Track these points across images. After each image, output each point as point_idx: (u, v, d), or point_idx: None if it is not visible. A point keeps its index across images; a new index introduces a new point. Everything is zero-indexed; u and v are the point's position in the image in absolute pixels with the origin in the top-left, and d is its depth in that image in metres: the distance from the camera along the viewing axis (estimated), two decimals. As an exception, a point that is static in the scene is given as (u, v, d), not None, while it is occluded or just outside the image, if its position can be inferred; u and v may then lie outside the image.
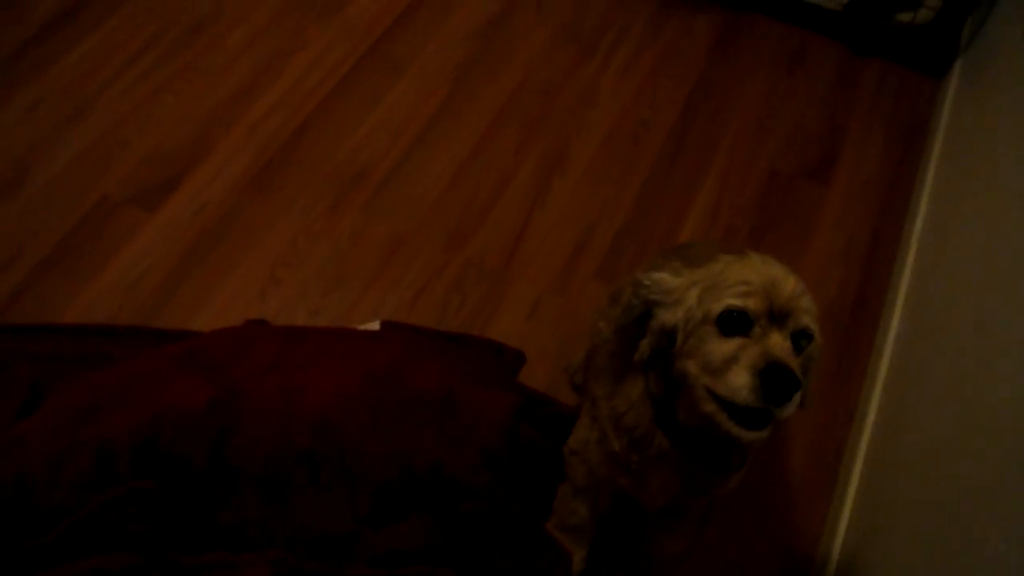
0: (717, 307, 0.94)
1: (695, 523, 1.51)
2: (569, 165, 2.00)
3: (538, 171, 1.98)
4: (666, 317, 1.01)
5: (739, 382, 0.90)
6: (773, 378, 0.88)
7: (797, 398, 0.90)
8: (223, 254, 1.80)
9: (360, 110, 2.07)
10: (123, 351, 1.63)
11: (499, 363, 1.67)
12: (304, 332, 1.61)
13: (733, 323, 0.94)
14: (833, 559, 1.49)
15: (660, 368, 1.06)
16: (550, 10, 2.32)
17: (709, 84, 2.20)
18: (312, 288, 1.77)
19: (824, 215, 1.96)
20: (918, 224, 1.88)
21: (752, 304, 0.93)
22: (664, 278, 1.03)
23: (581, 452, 1.27)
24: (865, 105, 2.18)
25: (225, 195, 1.89)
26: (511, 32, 2.26)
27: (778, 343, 0.92)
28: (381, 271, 1.80)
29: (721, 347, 0.93)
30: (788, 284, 0.95)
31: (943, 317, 1.53)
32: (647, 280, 1.04)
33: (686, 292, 1.00)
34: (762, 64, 2.25)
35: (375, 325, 1.69)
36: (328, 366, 1.49)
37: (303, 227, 1.86)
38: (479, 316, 1.75)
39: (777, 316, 0.94)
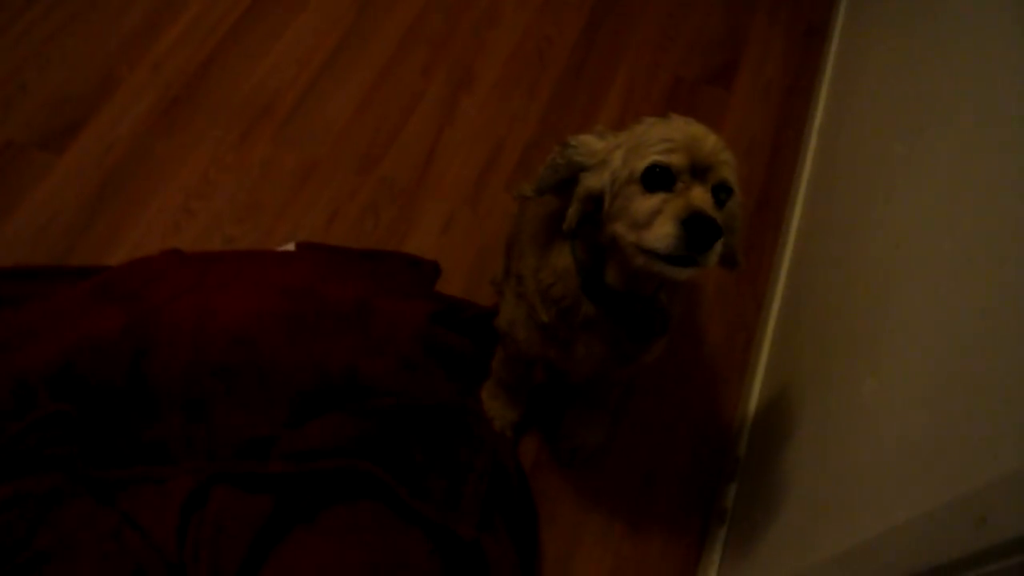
0: (641, 165, 0.98)
1: (610, 413, 1.58)
2: (476, 83, 2.02)
3: (446, 90, 2.00)
4: (591, 182, 1.04)
5: (663, 231, 0.93)
6: (695, 226, 0.92)
7: (719, 246, 0.94)
8: (134, 191, 1.80)
9: (265, 41, 2.06)
10: (39, 290, 1.64)
11: (415, 275, 1.71)
12: (220, 256, 1.63)
13: (657, 179, 0.97)
14: (746, 432, 1.57)
15: (586, 236, 1.10)
16: (452, -69, 2.31)
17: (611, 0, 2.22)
18: (226, 217, 1.79)
19: (727, 118, 2.02)
20: (817, 121, 1.94)
21: (675, 160, 0.97)
22: (589, 139, 1.06)
23: (510, 331, 1.30)
24: (766, 8, 2.23)
25: (133, 133, 1.89)
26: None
27: (700, 195, 0.96)
28: (294, 197, 1.82)
29: (646, 203, 0.97)
30: (709, 140, 0.99)
31: (838, 205, 1.60)
32: (573, 141, 1.06)
33: (611, 154, 1.03)
34: (665, -25, 2.29)
35: (291, 246, 1.71)
36: (244, 286, 1.51)
37: (214, 159, 1.86)
38: (394, 234, 1.79)
39: (699, 171, 0.98)
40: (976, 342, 0.83)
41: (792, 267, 1.73)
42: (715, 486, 1.55)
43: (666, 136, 0.98)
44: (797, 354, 1.47)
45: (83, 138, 1.87)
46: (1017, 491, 0.65)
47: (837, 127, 1.80)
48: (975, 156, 1.02)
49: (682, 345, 1.68)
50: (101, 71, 1.97)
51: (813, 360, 1.36)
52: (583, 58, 2.09)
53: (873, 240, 1.27)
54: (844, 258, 1.40)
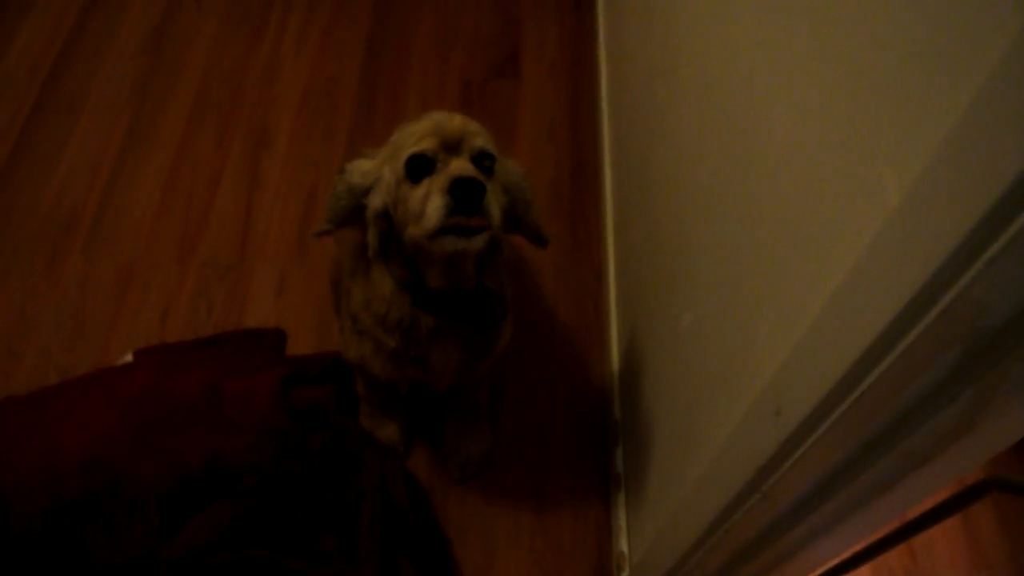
0: (401, 162, 1.03)
1: (486, 419, 1.59)
2: (273, 140, 2.01)
3: (244, 156, 1.98)
4: (375, 201, 1.09)
5: (434, 206, 0.98)
6: (459, 189, 0.97)
7: (494, 205, 1.00)
8: (-51, 348, 1.72)
9: (49, 157, 1.99)
10: None
11: (260, 348, 1.68)
12: (56, 390, 1.57)
13: (418, 169, 1.02)
14: (616, 394, 1.61)
15: (395, 253, 1.14)
16: (210, 4, 2.29)
17: (383, 21, 2.25)
18: (55, 348, 1.72)
19: (522, 106, 2.07)
20: (604, 88, 2.01)
21: (426, 144, 1.02)
22: (360, 162, 1.12)
23: (363, 365, 1.32)
24: (530, -5, 2.30)
25: (-68, 290, 1.80)
26: (179, 35, 2.22)
27: (458, 165, 1.02)
28: (120, 306, 1.77)
29: (417, 192, 1.02)
30: (454, 119, 1.05)
31: (637, 159, 1.66)
32: (347, 167, 1.12)
33: (381, 169, 1.09)
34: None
35: (128, 357, 1.66)
36: (85, 411, 1.46)
37: (26, 292, 1.79)
38: (231, 313, 1.76)
39: (452, 148, 1.04)
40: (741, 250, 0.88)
41: (616, 227, 1.78)
42: (604, 455, 1.58)
43: (415, 130, 1.05)
44: (637, 305, 1.52)
45: None
46: (795, 377, 0.69)
47: (620, 88, 1.87)
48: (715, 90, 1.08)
49: (537, 329, 1.72)
50: None
51: (647, 307, 1.41)
52: (371, 88, 2.11)
53: (665, 183, 1.32)
54: (651, 208, 1.46)
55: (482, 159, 1.05)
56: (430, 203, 0.99)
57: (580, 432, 1.61)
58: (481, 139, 1.05)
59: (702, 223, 1.09)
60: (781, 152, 0.78)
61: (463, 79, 2.11)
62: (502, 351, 1.35)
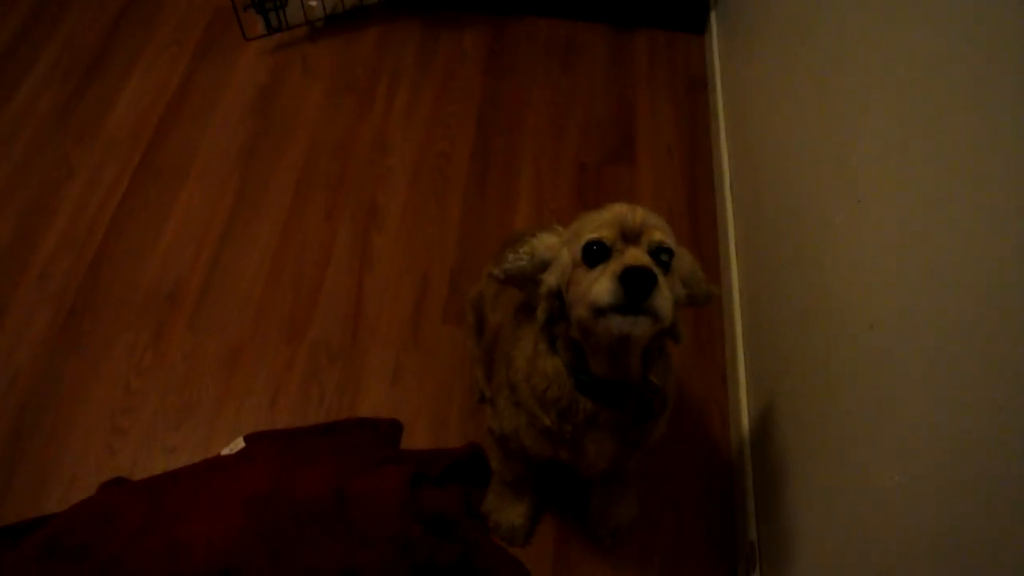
0: (579, 246, 1.04)
1: (633, 489, 1.55)
2: (384, 217, 1.96)
3: (354, 232, 1.93)
4: (550, 279, 1.11)
5: (602, 287, 0.98)
6: (630, 277, 0.96)
7: (664, 297, 0.98)
8: (52, 423, 1.65)
9: (152, 226, 1.95)
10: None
11: (377, 439, 1.62)
12: (170, 478, 1.50)
13: (595, 256, 1.03)
14: (746, 446, 1.57)
15: (562, 334, 1.14)
16: (316, 68, 2.26)
17: (495, 97, 2.21)
18: (161, 426, 1.65)
19: (640, 192, 2.01)
20: (726, 174, 1.95)
21: (606, 233, 1.03)
22: (545, 236, 1.14)
23: (512, 438, 1.31)
24: (644, 76, 2.25)
25: (34, 357, 1.74)
26: (285, 99, 2.19)
27: (634, 254, 1.01)
28: (228, 385, 1.71)
29: (589, 276, 1.02)
30: (636, 211, 1.05)
31: (769, 240, 1.61)
32: (539, 234, 1.14)
33: (560, 251, 1.10)
34: (538, 63, 2.29)
35: (240, 443, 1.59)
36: (206, 509, 1.39)
37: (131, 365, 1.73)
38: (343, 398, 1.69)
39: (631, 237, 1.03)
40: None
41: (745, 307, 1.72)
42: (735, 521, 1.53)
43: (596, 219, 1.06)
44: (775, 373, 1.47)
45: (-20, 378, 1.71)
46: None
47: (743, 172, 1.82)
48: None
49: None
50: (-18, 299, 1.82)
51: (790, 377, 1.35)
52: (483, 164, 2.06)
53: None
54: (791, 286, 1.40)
55: (659, 252, 1.04)
56: (598, 284, 0.99)
57: (711, 496, 1.55)
58: (659, 232, 1.05)
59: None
60: None
61: (578, 161, 2.06)
62: (655, 443, 1.32)
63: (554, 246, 1.11)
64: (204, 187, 2.01)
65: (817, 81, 1.44)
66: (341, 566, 1.29)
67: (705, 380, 1.74)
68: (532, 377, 1.20)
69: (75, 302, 1.82)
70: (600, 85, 2.24)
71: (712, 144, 2.09)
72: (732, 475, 1.61)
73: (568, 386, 1.16)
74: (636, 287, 0.97)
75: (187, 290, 1.84)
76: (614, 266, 1.00)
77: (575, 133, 2.13)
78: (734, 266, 1.82)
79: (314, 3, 2.27)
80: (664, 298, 0.99)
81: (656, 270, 0.99)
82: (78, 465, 1.61)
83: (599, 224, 1.04)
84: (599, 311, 0.99)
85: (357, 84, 2.22)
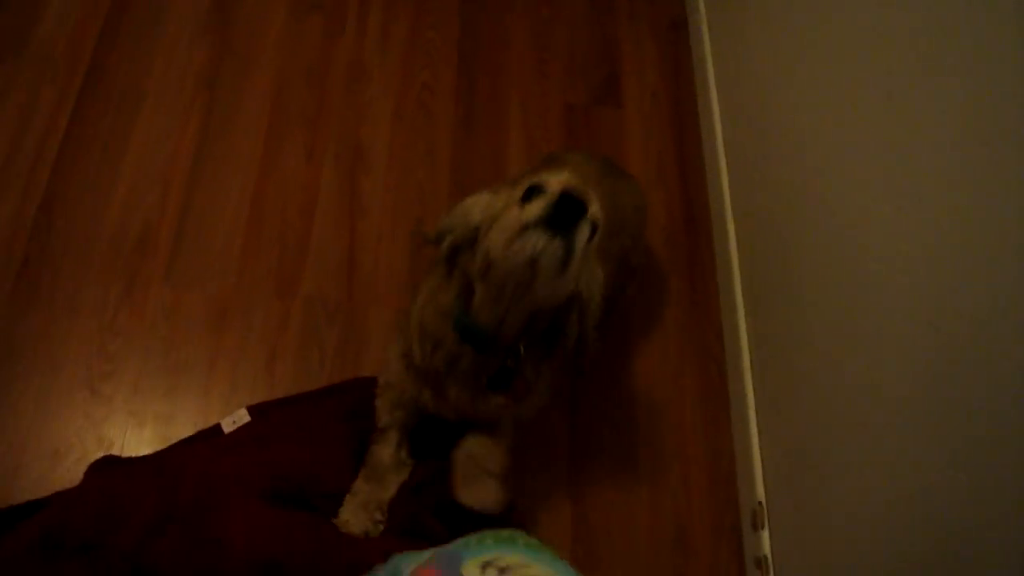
0: (520, 191, 1.04)
1: (508, 438, 1.43)
2: (370, 158, 1.82)
3: (340, 175, 1.79)
4: (474, 216, 1.12)
5: (535, 205, 0.99)
6: (566, 197, 0.98)
7: (584, 234, 1.00)
8: (22, 390, 1.49)
9: (108, 161, 1.74)
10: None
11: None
12: (175, 462, 1.39)
13: (532, 194, 1.02)
14: (756, 468, 1.59)
15: (461, 270, 1.15)
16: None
17: (474, 30, 2.06)
18: (148, 392, 1.52)
19: (629, 138, 1.96)
20: (716, 121, 1.92)
21: (552, 184, 1.02)
22: (477, 196, 1.15)
23: (394, 383, 1.37)
24: (626, 12, 2.16)
25: (-16, 317, 1.55)
26: (242, 17, 1.97)
27: (571, 180, 1.02)
28: (218, 345, 1.58)
29: (521, 209, 1.02)
30: (585, 186, 1.03)
31: (768, 184, 1.62)
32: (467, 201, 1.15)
33: (495, 202, 1.10)
34: (516, -3, 2.15)
35: (243, 416, 1.49)
36: (227, 498, 1.30)
37: (103, 325, 1.57)
38: (347, 358, 1.60)
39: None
40: None
41: (745, 275, 1.72)
42: (741, 528, 1.56)
43: (546, 176, 1.05)
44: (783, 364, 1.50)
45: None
46: None
47: (735, 123, 1.80)
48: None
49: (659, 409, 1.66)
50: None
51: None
52: (469, 103, 1.94)
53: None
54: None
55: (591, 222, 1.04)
56: (531, 205, 1.00)
57: (716, 501, 1.58)
58: (596, 207, 1.04)
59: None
60: None
61: (565, 102, 1.97)
62: (526, 417, 1.38)
63: (487, 202, 1.11)
64: (163, 117, 1.80)
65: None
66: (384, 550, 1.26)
67: (703, 339, 1.75)
68: (427, 307, 1.23)
69: (28, 254, 1.62)
70: (582, 18, 2.13)
71: (698, 90, 2.04)
72: (733, 434, 1.64)
73: (448, 325, 1.18)
74: (567, 206, 0.98)
75: (158, 238, 1.67)
76: (552, 192, 1.00)
77: (559, 70, 2.03)
78: (730, 223, 1.80)
79: (267, -97, 2.03)
80: (582, 239, 1.00)
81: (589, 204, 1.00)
82: (58, 441, 1.47)
83: (547, 179, 1.04)
84: (524, 228, 0.99)
85: (323, 1, 2.02)
